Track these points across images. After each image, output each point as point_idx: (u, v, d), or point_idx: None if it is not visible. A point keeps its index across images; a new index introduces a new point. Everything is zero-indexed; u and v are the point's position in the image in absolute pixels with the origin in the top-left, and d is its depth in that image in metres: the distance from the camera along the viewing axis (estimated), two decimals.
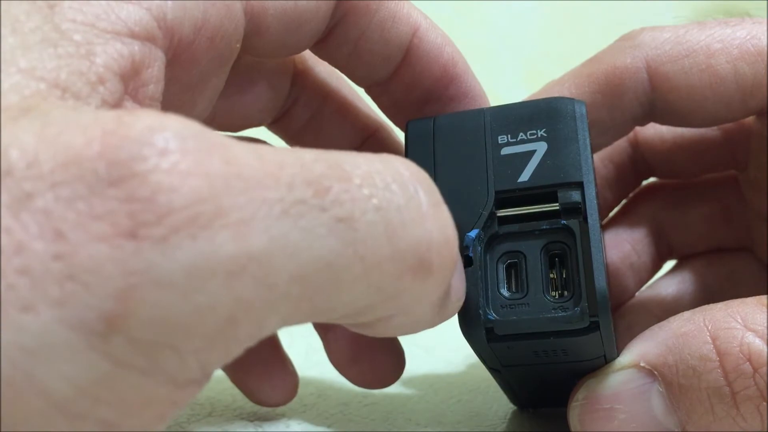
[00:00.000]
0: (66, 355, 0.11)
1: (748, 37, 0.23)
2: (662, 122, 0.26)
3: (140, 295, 0.11)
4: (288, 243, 0.13)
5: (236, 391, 0.27)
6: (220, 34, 0.19)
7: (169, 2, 0.17)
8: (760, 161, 0.26)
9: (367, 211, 0.14)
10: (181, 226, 0.12)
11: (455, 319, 0.20)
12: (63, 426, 0.12)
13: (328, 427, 0.25)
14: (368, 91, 0.25)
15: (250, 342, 0.13)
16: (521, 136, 0.21)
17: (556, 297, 0.20)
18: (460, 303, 0.19)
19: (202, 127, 0.13)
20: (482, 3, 0.78)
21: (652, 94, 0.24)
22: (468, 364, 0.34)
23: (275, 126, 0.27)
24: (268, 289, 0.13)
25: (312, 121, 0.26)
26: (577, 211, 0.20)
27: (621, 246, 0.29)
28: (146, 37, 0.16)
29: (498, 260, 0.21)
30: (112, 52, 0.15)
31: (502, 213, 0.21)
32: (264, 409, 0.27)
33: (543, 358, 0.21)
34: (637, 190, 0.30)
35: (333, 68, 0.24)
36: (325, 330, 0.27)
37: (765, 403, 0.18)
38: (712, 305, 0.20)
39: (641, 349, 0.20)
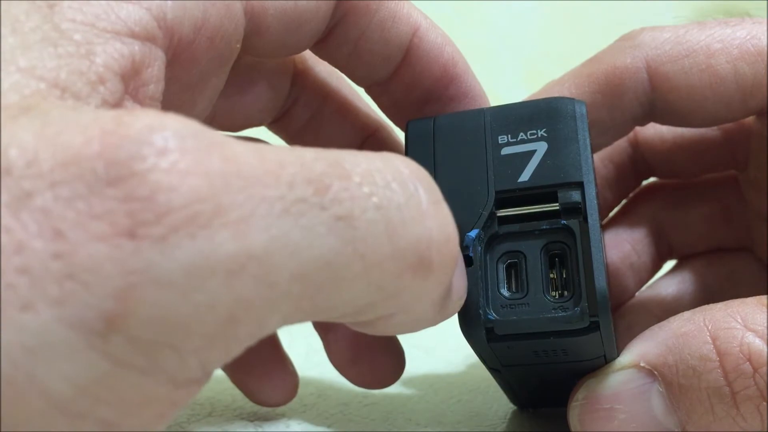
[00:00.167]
0: (66, 355, 0.11)
1: (748, 37, 0.23)
2: (662, 122, 0.26)
3: (140, 294, 0.11)
4: (288, 241, 0.13)
5: (236, 391, 0.27)
6: (220, 34, 0.19)
7: (169, 2, 0.17)
8: (760, 161, 0.26)
9: (367, 209, 0.14)
10: (180, 225, 0.12)
11: (455, 319, 0.20)
12: (63, 426, 0.12)
13: (328, 427, 0.25)
14: (368, 91, 0.25)
15: (250, 341, 0.13)
16: (521, 136, 0.21)
17: (556, 297, 0.20)
18: (462, 302, 0.19)
19: (201, 126, 0.13)
20: (482, 3, 0.78)
21: (652, 94, 0.24)
22: (468, 364, 0.34)
23: (275, 126, 0.27)
24: (268, 288, 0.13)
25: (312, 120, 0.26)
26: (577, 211, 0.20)
27: (621, 246, 0.29)
28: (146, 37, 0.16)
29: (498, 260, 0.21)
30: (112, 52, 0.15)
31: (502, 213, 0.21)
32: (264, 409, 0.27)
33: (543, 358, 0.21)
34: (637, 190, 0.30)
35: (333, 68, 0.24)
36: (325, 330, 0.27)
37: (765, 403, 0.18)
38: (712, 305, 0.20)
39: (641, 349, 0.20)
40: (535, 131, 0.21)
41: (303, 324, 0.15)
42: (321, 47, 0.23)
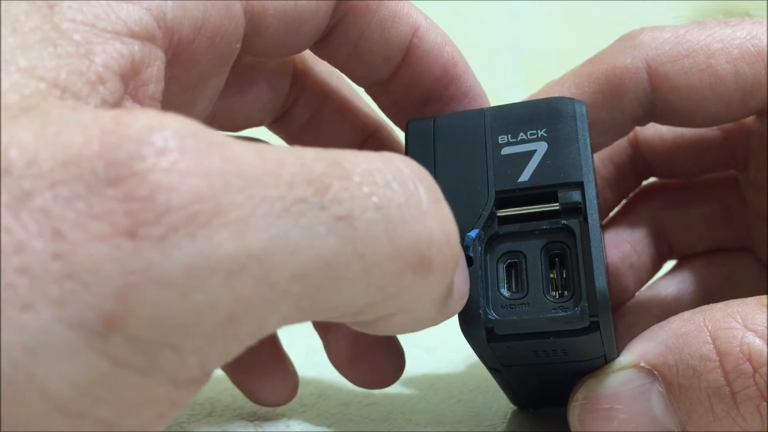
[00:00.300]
0: (66, 355, 0.11)
1: (748, 37, 0.23)
2: (662, 122, 0.26)
3: (139, 294, 0.11)
4: (288, 241, 0.13)
5: (236, 391, 0.27)
6: (220, 34, 0.19)
7: (169, 2, 0.17)
8: (760, 161, 0.26)
9: (367, 209, 0.14)
10: (180, 225, 0.12)
11: (456, 318, 0.20)
12: (63, 426, 0.12)
13: (328, 427, 0.25)
14: (368, 91, 0.25)
15: (250, 341, 0.13)
16: (521, 136, 0.21)
17: (556, 297, 0.20)
18: (464, 301, 0.19)
19: (201, 126, 0.13)
20: (482, 3, 0.78)
21: (652, 94, 0.24)
22: (468, 364, 0.34)
23: (275, 126, 0.27)
24: (268, 288, 0.13)
25: (312, 120, 0.26)
26: (578, 211, 0.20)
27: (621, 246, 0.29)
28: (146, 37, 0.16)
29: (498, 260, 0.21)
30: (112, 52, 0.15)
31: (502, 213, 0.21)
32: (264, 409, 0.27)
33: (543, 358, 0.21)
34: (637, 190, 0.30)
35: (333, 68, 0.24)
36: (325, 330, 0.27)
37: (765, 403, 0.18)
38: (712, 305, 0.20)
39: (641, 349, 0.20)
40: (535, 131, 0.21)
41: (303, 324, 0.15)
42: (321, 47, 0.23)
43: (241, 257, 0.12)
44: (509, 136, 0.21)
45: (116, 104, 0.15)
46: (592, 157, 0.21)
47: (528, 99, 0.24)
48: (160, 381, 0.12)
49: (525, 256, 0.20)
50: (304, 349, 0.32)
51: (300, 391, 0.27)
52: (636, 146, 0.29)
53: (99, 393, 0.12)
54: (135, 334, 0.11)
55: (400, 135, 0.25)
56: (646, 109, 0.25)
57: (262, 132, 0.26)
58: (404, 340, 0.26)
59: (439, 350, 0.36)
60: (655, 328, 0.20)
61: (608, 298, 0.19)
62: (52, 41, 0.14)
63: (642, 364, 0.20)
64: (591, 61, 0.25)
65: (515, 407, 0.27)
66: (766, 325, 0.19)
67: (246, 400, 0.27)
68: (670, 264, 0.31)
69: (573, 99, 0.21)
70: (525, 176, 0.21)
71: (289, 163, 0.13)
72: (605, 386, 0.20)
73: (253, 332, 0.13)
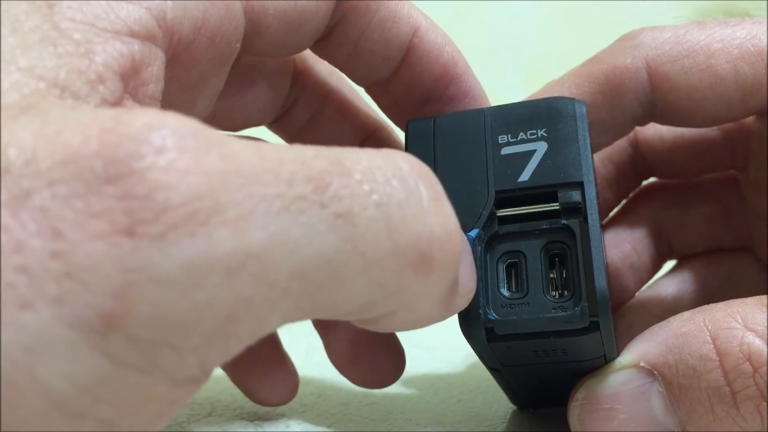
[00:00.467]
0: (65, 354, 0.11)
1: (748, 37, 0.23)
2: (662, 122, 0.26)
3: (138, 293, 0.11)
4: (287, 239, 0.13)
5: (236, 391, 0.27)
6: (220, 34, 0.19)
7: (169, 2, 0.17)
8: (760, 161, 0.26)
9: (367, 206, 0.14)
10: (178, 223, 0.12)
11: (456, 319, 0.20)
12: (63, 425, 0.12)
13: (328, 427, 0.25)
14: (368, 91, 0.25)
15: (250, 340, 0.13)
16: (521, 135, 0.21)
17: (556, 297, 0.20)
18: (470, 296, 0.19)
19: (200, 124, 0.13)
20: (482, 3, 0.78)
21: (652, 94, 0.24)
22: (468, 364, 0.34)
23: (275, 125, 0.27)
24: (267, 286, 0.13)
25: (312, 120, 0.26)
26: (577, 210, 0.20)
27: (621, 246, 0.29)
28: (146, 37, 0.16)
29: (498, 260, 0.21)
30: (112, 51, 0.15)
31: (502, 213, 0.21)
32: (264, 409, 0.27)
33: (543, 357, 0.21)
34: (637, 190, 0.30)
35: (333, 68, 0.24)
36: (325, 330, 0.27)
37: (765, 403, 0.18)
38: (712, 305, 0.20)
39: (641, 349, 0.20)
40: (535, 131, 0.21)
41: (303, 323, 0.15)
42: (321, 47, 0.23)
43: (240, 255, 0.12)
44: (509, 135, 0.21)
45: (116, 104, 0.15)
46: (592, 157, 0.21)
47: (528, 99, 0.24)
48: (159, 380, 0.12)
49: (525, 256, 0.20)
50: (304, 348, 0.32)
51: (300, 391, 0.27)
52: (636, 146, 0.29)
53: (99, 392, 0.12)
54: (134, 333, 0.11)
55: (400, 135, 0.25)
56: (646, 109, 0.25)
57: (262, 132, 0.26)
58: (404, 340, 0.26)
59: (439, 350, 0.36)
60: (655, 328, 0.20)
61: (608, 298, 0.19)
62: (51, 41, 0.14)
63: (642, 364, 0.20)
64: (591, 61, 0.25)
65: (515, 407, 0.27)
66: (766, 325, 0.19)
67: (246, 399, 0.27)
68: (670, 264, 0.31)
69: (573, 99, 0.21)
70: (525, 176, 0.21)
71: (288, 161, 0.13)
72: (605, 386, 0.20)
73: (252, 331, 0.13)
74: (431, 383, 0.31)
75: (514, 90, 0.34)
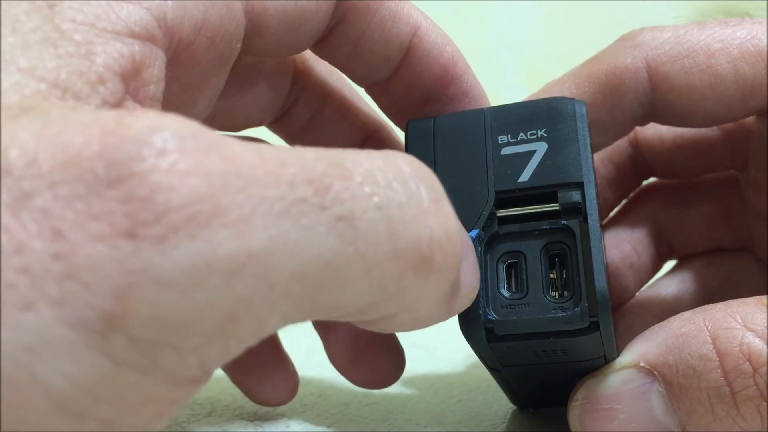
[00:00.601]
0: (66, 354, 0.11)
1: (749, 37, 0.23)
2: (662, 122, 0.26)
3: (139, 294, 0.11)
4: (288, 241, 0.13)
5: (236, 391, 0.27)
6: (221, 34, 0.19)
7: (170, 2, 0.17)
8: (760, 161, 0.26)
9: (368, 209, 0.14)
10: (179, 225, 0.12)
11: (456, 319, 0.20)
12: (64, 425, 0.12)
13: (328, 427, 0.25)
14: (368, 91, 0.25)
15: (250, 341, 0.13)
16: (521, 136, 0.21)
17: (556, 297, 0.20)
18: (473, 296, 0.19)
19: (201, 126, 0.13)
20: (482, 3, 0.78)
21: (652, 94, 0.24)
22: (468, 364, 0.34)
23: (276, 126, 0.27)
24: (268, 288, 0.13)
25: (312, 120, 0.26)
26: (577, 211, 0.20)
27: (621, 246, 0.29)
28: (146, 37, 0.16)
29: (498, 260, 0.21)
30: (113, 52, 0.15)
31: (502, 213, 0.21)
32: (264, 409, 0.27)
33: (543, 358, 0.21)
34: (637, 190, 0.30)
35: (333, 68, 0.24)
36: (325, 330, 0.27)
37: (765, 403, 0.18)
38: (712, 305, 0.20)
39: (641, 349, 0.20)
40: (535, 131, 0.21)
41: (303, 324, 0.15)
42: (321, 47, 0.23)
43: (240, 257, 0.12)
44: (509, 136, 0.21)
45: (117, 105, 0.15)
46: (592, 157, 0.21)
47: (528, 99, 0.24)
48: (159, 380, 0.12)
49: (525, 256, 0.20)
50: (304, 349, 0.32)
51: (300, 391, 0.27)
52: (636, 146, 0.29)
53: (100, 392, 0.12)
54: (135, 334, 0.12)
55: (400, 135, 0.25)
56: (646, 109, 0.25)
57: (262, 132, 0.26)
58: (404, 340, 0.26)
59: (439, 350, 0.36)
60: (655, 328, 0.20)
61: (608, 299, 0.19)
62: (52, 41, 0.14)
63: (642, 364, 0.20)
64: (591, 61, 0.25)
65: (515, 407, 0.27)
66: (766, 325, 0.19)
67: (246, 399, 0.27)
68: (670, 264, 0.31)
69: (573, 99, 0.21)
70: (525, 176, 0.21)
71: (289, 163, 0.13)
72: (605, 386, 0.20)
73: (252, 332, 0.13)
74: (431, 383, 0.31)
75: (514, 90, 0.34)
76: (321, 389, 0.30)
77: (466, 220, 0.20)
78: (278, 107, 0.26)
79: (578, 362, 0.21)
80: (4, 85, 0.13)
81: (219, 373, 0.26)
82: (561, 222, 0.20)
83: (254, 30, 0.20)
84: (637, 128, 0.28)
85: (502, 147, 0.21)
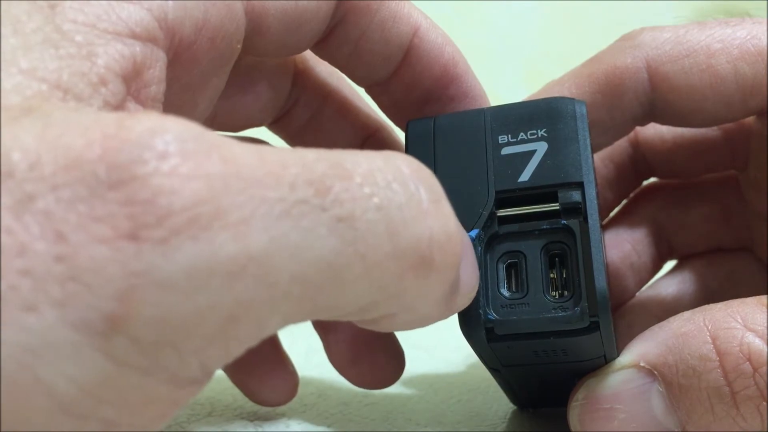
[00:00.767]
0: (69, 355, 0.11)
1: (749, 37, 0.23)
2: (662, 122, 0.26)
3: (141, 295, 0.11)
4: (288, 243, 0.13)
5: (236, 391, 0.27)
6: (221, 35, 0.19)
7: (170, 2, 0.17)
8: (760, 161, 0.26)
9: (367, 210, 0.14)
10: (181, 227, 0.12)
11: (456, 319, 0.20)
12: (66, 425, 0.12)
13: (328, 427, 0.25)
14: (368, 91, 0.25)
15: (251, 341, 0.13)
16: (521, 136, 0.21)
17: (556, 297, 0.20)
18: (473, 294, 0.19)
19: (201, 128, 0.13)
20: (482, 3, 0.78)
21: (652, 94, 0.24)
22: (468, 364, 0.34)
23: (276, 126, 0.27)
24: (268, 289, 0.13)
25: (312, 121, 0.26)
26: (578, 211, 0.20)
27: (621, 246, 0.29)
28: (147, 38, 0.16)
29: (498, 260, 0.21)
30: (113, 53, 0.15)
31: (502, 213, 0.21)
32: (264, 409, 0.27)
33: (543, 358, 0.21)
34: (637, 190, 0.30)
35: (333, 68, 0.24)
36: (325, 331, 0.27)
37: (765, 403, 0.18)
38: (712, 305, 0.20)
39: (641, 349, 0.20)
40: (535, 131, 0.21)
41: (303, 324, 0.15)
42: (321, 47, 0.23)
43: (241, 259, 0.12)
44: (509, 136, 0.21)
45: (119, 106, 0.15)
46: (592, 157, 0.21)
47: (528, 99, 0.24)
48: (161, 381, 0.12)
49: (525, 256, 0.20)
50: (304, 349, 0.32)
51: (300, 391, 0.27)
52: (636, 146, 0.29)
53: (102, 393, 0.12)
54: (137, 335, 0.12)
55: (400, 135, 0.25)
56: (646, 109, 0.25)
57: (262, 132, 0.26)
58: (404, 340, 0.26)
59: (439, 350, 0.36)
60: (655, 328, 0.20)
61: (608, 298, 0.19)
62: (53, 42, 0.14)
63: (642, 364, 0.20)
64: (591, 61, 0.25)
65: (515, 407, 0.28)
66: (766, 325, 0.19)
67: (246, 399, 0.27)
68: (670, 264, 0.31)
69: (573, 99, 0.21)
70: (525, 176, 0.21)
71: (290, 164, 0.13)
72: (605, 386, 0.20)
73: (253, 333, 0.13)
74: (431, 383, 0.31)
75: (514, 90, 0.34)
76: (321, 389, 0.30)
77: (466, 220, 0.20)
78: (278, 107, 0.26)
79: (578, 362, 0.21)
80: (6, 86, 0.13)
81: (219, 373, 0.26)
82: (561, 222, 0.20)
83: (255, 30, 0.20)
84: (638, 128, 0.28)
85: (502, 147, 0.21)
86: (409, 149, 0.22)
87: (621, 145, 0.29)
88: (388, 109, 0.25)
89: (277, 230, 0.13)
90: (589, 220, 0.20)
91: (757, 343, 0.18)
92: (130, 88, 0.16)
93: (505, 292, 0.20)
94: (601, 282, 0.19)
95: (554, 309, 0.20)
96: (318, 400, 0.28)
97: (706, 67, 0.23)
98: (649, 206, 0.30)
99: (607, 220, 0.30)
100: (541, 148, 0.21)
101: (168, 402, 0.13)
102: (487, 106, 0.24)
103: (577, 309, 0.19)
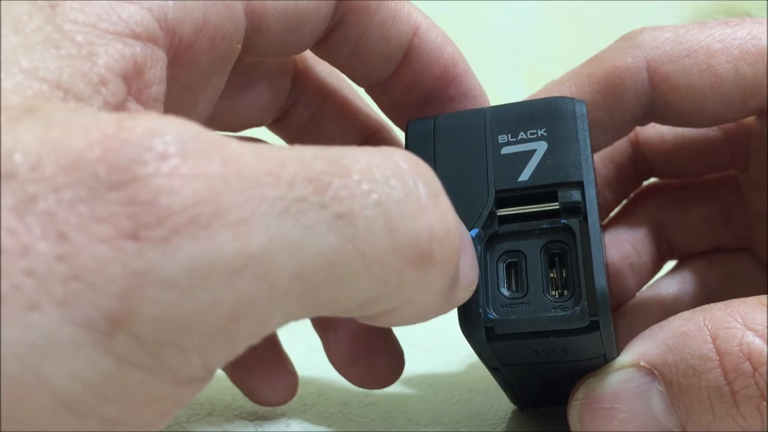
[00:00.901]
0: (72, 354, 0.11)
1: (749, 37, 0.23)
2: (662, 122, 0.26)
3: (143, 294, 0.11)
4: (288, 241, 0.13)
5: (236, 391, 0.27)
6: (221, 35, 0.19)
7: (170, 2, 0.17)
8: (760, 161, 0.26)
9: (366, 206, 0.14)
10: (181, 227, 0.12)
11: (456, 319, 0.20)
12: (69, 424, 0.12)
13: (328, 426, 0.25)
14: (368, 91, 0.25)
15: (252, 339, 0.13)
16: (521, 135, 0.21)
17: (556, 296, 0.20)
18: (473, 288, 0.19)
19: (201, 128, 0.13)
20: (482, 3, 0.78)
21: (652, 94, 0.24)
22: (468, 364, 0.34)
23: (276, 126, 0.27)
24: (269, 287, 0.13)
25: (312, 121, 0.26)
26: (577, 210, 0.20)
27: (621, 246, 0.29)
28: (148, 38, 0.16)
29: (498, 259, 0.21)
30: (114, 53, 0.15)
31: (502, 212, 0.21)
32: (264, 409, 0.27)
33: (543, 357, 0.21)
34: (637, 190, 0.30)
35: (333, 68, 0.24)
36: (324, 331, 0.27)
37: (765, 403, 0.18)
38: (712, 305, 0.20)
39: (641, 349, 0.20)
40: (535, 131, 0.21)
41: (303, 324, 0.15)
42: (321, 47, 0.23)
43: (242, 257, 0.12)
44: (509, 135, 0.21)
45: (119, 106, 0.15)
46: (592, 156, 0.21)
47: (528, 99, 0.24)
48: (164, 379, 0.12)
49: (525, 256, 0.20)
50: (304, 349, 0.32)
51: (300, 390, 0.27)
52: (636, 146, 0.29)
53: (105, 391, 0.12)
54: (140, 333, 0.12)
55: (400, 135, 0.25)
56: (646, 109, 0.25)
57: (262, 132, 0.26)
58: (404, 340, 0.26)
59: (439, 350, 0.36)
60: (655, 327, 0.20)
61: (608, 298, 0.19)
62: (54, 42, 0.14)
63: (642, 364, 0.20)
64: (591, 61, 0.25)
65: (515, 407, 0.28)
66: (765, 324, 0.19)
67: (246, 399, 0.27)
68: (670, 264, 0.31)
69: (573, 99, 0.21)
70: (525, 176, 0.21)
71: (289, 162, 0.13)
72: (605, 386, 0.20)
73: (255, 330, 0.13)
74: (431, 383, 0.31)
75: (514, 90, 0.34)
76: (321, 389, 0.30)
77: (466, 220, 0.20)
78: (278, 107, 0.26)
79: (578, 361, 0.21)
80: (6, 85, 0.13)
81: (219, 373, 0.26)
82: (561, 221, 0.20)
83: (255, 30, 0.20)
84: (638, 128, 0.28)
85: (502, 146, 0.21)
86: (409, 149, 0.22)
87: (621, 145, 0.29)
88: (388, 109, 0.25)
89: (276, 228, 0.13)
90: (589, 220, 0.20)
91: (757, 342, 0.18)
92: (131, 88, 0.16)
93: (505, 292, 0.20)
94: (600, 281, 0.19)
95: (554, 308, 0.20)
96: (318, 400, 0.28)
97: (706, 67, 0.23)
98: (649, 206, 0.30)
99: (607, 220, 0.30)
100: (541, 147, 0.21)
101: (170, 400, 0.13)
102: (487, 105, 0.24)
103: (577, 308, 0.19)
